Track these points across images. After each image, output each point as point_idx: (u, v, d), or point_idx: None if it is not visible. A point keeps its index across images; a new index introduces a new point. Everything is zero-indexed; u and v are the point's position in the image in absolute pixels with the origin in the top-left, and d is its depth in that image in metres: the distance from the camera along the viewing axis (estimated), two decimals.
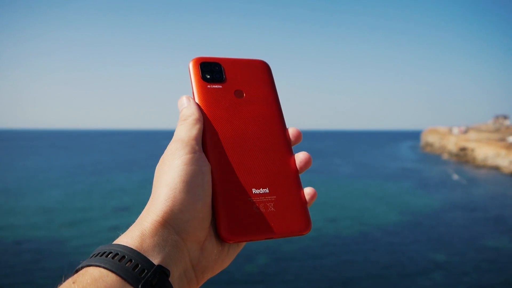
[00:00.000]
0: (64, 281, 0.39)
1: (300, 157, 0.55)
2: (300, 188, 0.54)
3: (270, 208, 0.51)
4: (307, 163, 0.55)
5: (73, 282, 0.38)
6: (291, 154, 0.56)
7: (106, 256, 0.41)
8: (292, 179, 0.54)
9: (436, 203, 16.89)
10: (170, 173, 0.48)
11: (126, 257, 0.40)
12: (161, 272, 0.41)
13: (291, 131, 0.57)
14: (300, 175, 0.56)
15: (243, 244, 0.53)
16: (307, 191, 0.54)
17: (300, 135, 0.58)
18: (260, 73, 0.60)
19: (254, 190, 0.52)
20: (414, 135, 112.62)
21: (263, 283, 8.40)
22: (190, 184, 0.47)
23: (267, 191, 0.52)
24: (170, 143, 0.51)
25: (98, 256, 0.41)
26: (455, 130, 53.41)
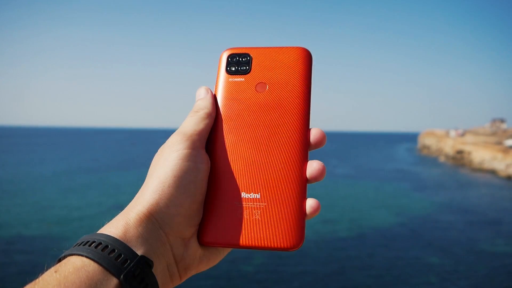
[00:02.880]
0: (47, 270, 0.39)
1: (312, 166, 0.50)
2: (300, 199, 0.48)
3: (255, 216, 0.48)
4: (318, 175, 0.49)
5: (55, 271, 0.38)
6: (303, 159, 0.50)
7: (89, 245, 0.40)
8: (294, 187, 0.49)
9: (432, 205, 16.89)
10: (164, 166, 0.47)
11: (109, 246, 0.40)
12: (144, 263, 0.41)
13: (314, 132, 0.51)
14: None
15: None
16: (309, 203, 0.49)
17: (323, 138, 0.51)
18: (294, 63, 0.54)
19: (243, 194, 0.49)
20: (411, 138, 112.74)
21: (259, 283, 8.37)
22: (182, 180, 0.46)
23: (258, 196, 0.48)
24: (172, 134, 0.50)
25: (81, 245, 0.41)
26: (452, 133, 53.49)
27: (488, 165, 31.50)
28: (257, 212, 0.48)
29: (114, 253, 0.40)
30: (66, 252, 0.41)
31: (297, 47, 0.55)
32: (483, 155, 33.41)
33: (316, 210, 0.49)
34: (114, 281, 0.38)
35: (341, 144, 79.03)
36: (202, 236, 0.48)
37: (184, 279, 0.48)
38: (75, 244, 0.42)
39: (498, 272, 9.32)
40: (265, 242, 0.47)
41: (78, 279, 0.37)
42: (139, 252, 0.41)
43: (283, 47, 0.55)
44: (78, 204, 15.61)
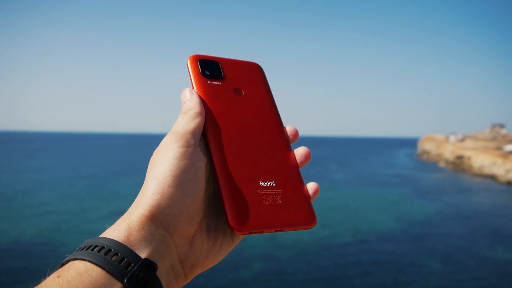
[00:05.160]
0: (49, 275, 0.39)
1: (300, 151, 0.57)
2: (303, 183, 0.55)
3: (278, 201, 0.52)
4: (307, 157, 0.57)
5: (58, 276, 0.38)
6: (291, 149, 0.57)
7: (92, 250, 0.40)
8: (295, 173, 0.55)
9: (433, 211, 16.85)
10: (161, 167, 0.47)
11: (112, 250, 0.40)
12: (148, 266, 0.40)
13: (289, 129, 0.59)
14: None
15: (238, 241, 0.53)
16: (311, 185, 0.55)
17: (297, 133, 0.59)
18: (255, 74, 0.62)
19: (261, 183, 0.52)
20: (411, 143, 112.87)
21: None
22: (181, 179, 0.46)
23: (274, 184, 0.53)
24: (165, 136, 0.51)
25: (84, 250, 0.41)
26: (452, 138, 53.60)
27: (488, 170, 31.48)
28: (278, 197, 0.52)
29: (117, 257, 0.39)
30: (69, 257, 0.40)
31: (253, 62, 0.64)
32: (482, 160, 33.40)
33: (316, 191, 0.55)
34: (118, 285, 0.38)
35: (340, 149, 79.07)
36: (238, 225, 0.48)
37: (190, 279, 0.49)
38: (77, 249, 0.42)
39: (499, 279, 9.27)
40: (294, 223, 0.51)
41: (81, 283, 0.37)
42: (143, 255, 0.41)
43: (240, 60, 0.63)
44: (77, 210, 15.54)
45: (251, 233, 0.49)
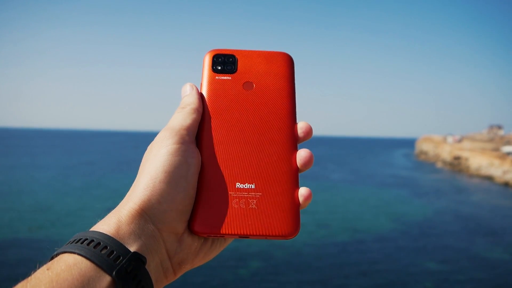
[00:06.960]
0: (39, 268, 0.39)
1: (300, 154, 0.52)
2: (294, 188, 0.50)
3: (252, 205, 0.49)
4: (307, 162, 0.51)
5: (47, 269, 0.38)
6: (293, 150, 0.52)
7: (82, 243, 0.40)
8: (287, 177, 0.51)
9: (429, 211, 16.85)
10: (154, 162, 0.47)
11: (101, 243, 0.40)
12: (137, 259, 0.41)
13: (301, 125, 0.54)
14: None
15: (230, 240, 0.51)
16: (301, 191, 0.50)
17: (310, 130, 0.53)
18: (278, 65, 0.58)
19: (238, 185, 0.50)
20: (408, 143, 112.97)
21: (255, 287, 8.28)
22: (173, 175, 0.46)
23: (253, 186, 0.50)
24: (160, 131, 0.50)
25: (73, 243, 0.41)
26: (450, 139, 53.68)
27: (485, 171, 31.52)
28: (253, 201, 0.49)
29: (106, 250, 0.40)
30: (59, 250, 0.41)
31: (281, 52, 0.59)
32: (480, 162, 33.44)
33: (307, 198, 0.50)
34: (106, 278, 0.38)
35: (338, 149, 79.05)
36: (195, 226, 0.47)
37: (178, 275, 0.48)
38: (67, 242, 0.42)
39: (497, 279, 9.26)
40: (262, 230, 0.48)
41: (71, 276, 0.37)
42: (132, 249, 0.41)
43: (266, 51, 0.59)
44: (73, 207, 15.47)
45: (209, 236, 0.48)
